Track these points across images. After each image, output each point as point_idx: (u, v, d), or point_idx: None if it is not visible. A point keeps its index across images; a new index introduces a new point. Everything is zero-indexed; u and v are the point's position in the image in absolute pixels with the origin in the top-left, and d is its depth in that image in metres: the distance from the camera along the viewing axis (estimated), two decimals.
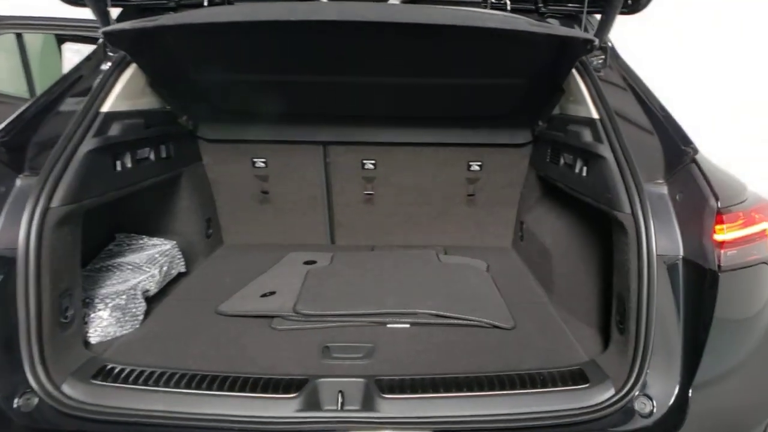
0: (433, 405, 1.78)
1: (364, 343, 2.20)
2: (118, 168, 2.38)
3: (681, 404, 1.75)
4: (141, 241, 2.84)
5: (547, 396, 1.82)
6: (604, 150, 2.07)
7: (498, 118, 3.03)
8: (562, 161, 2.62)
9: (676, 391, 1.77)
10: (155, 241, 2.86)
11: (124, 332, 2.31)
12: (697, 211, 1.77)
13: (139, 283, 2.46)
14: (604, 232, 2.31)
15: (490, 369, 1.99)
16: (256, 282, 2.84)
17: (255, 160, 3.37)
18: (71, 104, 2.32)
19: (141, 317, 2.41)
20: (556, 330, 2.33)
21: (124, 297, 2.35)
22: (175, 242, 2.87)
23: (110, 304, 2.30)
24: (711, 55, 5.81)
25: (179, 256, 2.87)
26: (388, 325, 2.36)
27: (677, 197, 1.85)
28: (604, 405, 1.78)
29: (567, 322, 2.38)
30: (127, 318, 2.34)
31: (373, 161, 3.33)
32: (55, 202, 1.89)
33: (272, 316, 2.42)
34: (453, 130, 3.15)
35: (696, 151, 1.92)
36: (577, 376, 1.90)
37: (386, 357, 2.11)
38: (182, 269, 2.88)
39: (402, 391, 1.81)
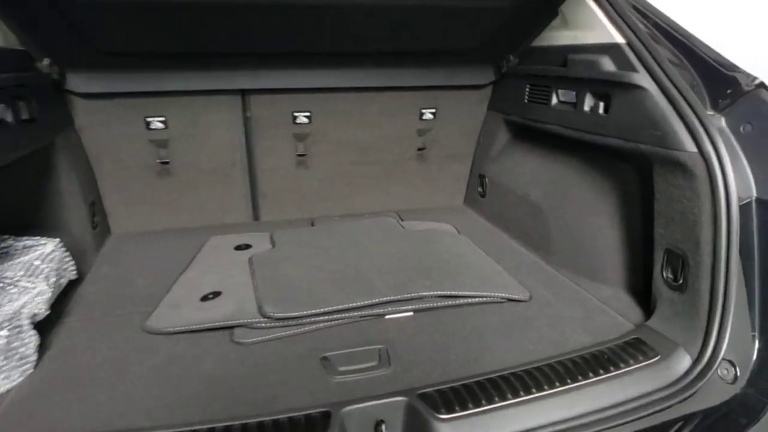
0: (509, 417, 1.36)
1: (371, 344, 1.70)
2: None
3: (765, 363, 1.54)
4: (7, 243, 1.98)
5: (624, 379, 1.50)
6: (641, 79, 1.75)
7: (462, 54, 2.59)
8: (554, 100, 2.28)
9: (756, 349, 1.55)
10: (29, 241, 2.01)
11: (11, 385, 1.54)
12: None
13: (21, 308, 1.66)
14: (624, 176, 2.03)
15: (540, 354, 1.62)
16: (184, 280, 2.15)
17: (150, 119, 2.57)
18: None
19: (34, 357, 1.63)
20: (576, 295, 2.04)
21: (2, 333, 1.55)
22: (58, 240, 2.04)
23: None
24: None
25: (67, 259, 2.05)
26: (387, 317, 1.88)
27: (742, 129, 1.58)
28: (686, 379, 1.51)
29: (581, 284, 2.10)
30: (12, 364, 1.56)
31: (306, 113, 2.72)
32: None
33: (230, 327, 1.80)
34: (406, 71, 2.65)
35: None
36: (642, 348, 1.61)
37: (410, 359, 1.64)
38: (73, 276, 2.08)
39: (462, 406, 1.36)
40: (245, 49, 2.39)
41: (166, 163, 2.69)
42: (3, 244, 1.98)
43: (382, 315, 1.87)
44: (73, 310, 1.97)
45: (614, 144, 1.90)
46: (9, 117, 1.83)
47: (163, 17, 2.08)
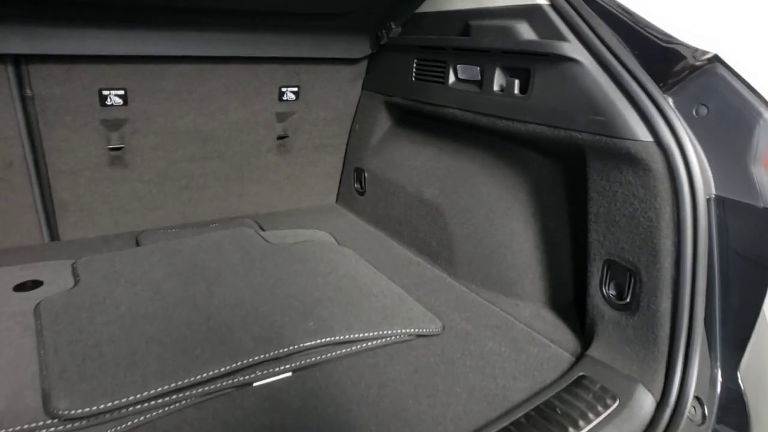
0: None
1: None
2: None
3: (733, 396, 1.28)
4: None
5: None
6: (573, 50, 1.39)
7: (331, 18, 2.05)
8: (452, 77, 1.85)
9: (719, 381, 1.29)
10: None
11: None
12: (738, 129, 1.24)
13: None
14: (544, 171, 1.69)
15: (476, 417, 1.19)
16: None
17: None
18: None
19: None
20: (494, 318, 1.64)
21: None
22: None
23: None
24: None
25: None
26: (256, 384, 1.29)
27: (694, 111, 1.29)
28: (655, 428, 1.20)
29: (496, 303, 1.72)
30: None
31: (120, 91, 1.98)
32: None
33: None
34: (261, 37, 2.03)
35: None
36: (594, 390, 1.27)
37: None
38: None
39: None
40: None
41: None
42: None
43: (249, 383, 1.28)
44: None
45: (534, 132, 1.53)
46: None
47: None
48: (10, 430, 1.08)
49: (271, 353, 1.32)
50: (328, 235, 2.19)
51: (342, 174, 2.58)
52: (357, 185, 2.46)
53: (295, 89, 2.26)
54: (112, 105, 1.98)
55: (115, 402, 1.14)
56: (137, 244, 2.09)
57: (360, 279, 1.76)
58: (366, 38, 2.22)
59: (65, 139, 1.97)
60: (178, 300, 1.58)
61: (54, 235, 2.12)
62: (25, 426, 1.08)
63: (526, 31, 1.53)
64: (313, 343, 1.38)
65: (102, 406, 1.12)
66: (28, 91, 1.84)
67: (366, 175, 2.37)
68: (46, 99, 1.87)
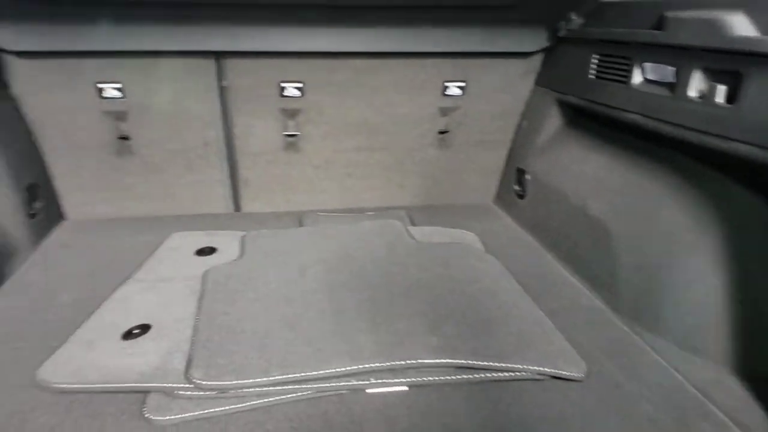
0: None
1: None
2: None
3: None
4: None
5: None
6: None
7: (503, 10, 1.91)
8: (637, 77, 1.60)
9: None
10: None
11: None
12: None
13: None
14: (751, 203, 1.37)
15: None
16: (112, 303, 1.62)
17: (102, 86, 2.02)
18: None
19: None
20: (659, 375, 1.38)
21: None
22: None
23: None
24: None
25: None
26: (369, 391, 1.30)
27: None
28: None
29: (664, 355, 1.45)
30: None
31: (297, 84, 2.12)
32: None
33: (144, 391, 1.26)
34: (427, 32, 2.00)
35: None
36: None
37: None
38: None
39: None
40: None
41: (126, 138, 2.15)
42: None
43: (362, 388, 1.29)
44: None
45: (740, 152, 1.24)
46: None
47: None
48: (156, 385, 1.24)
49: (389, 363, 1.31)
50: (477, 238, 2.10)
51: (503, 173, 2.44)
52: (517, 187, 2.30)
53: (461, 84, 2.19)
54: (290, 96, 2.14)
55: (239, 381, 1.24)
56: (300, 223, 2.26)
57: (500, 295, 1.64)
58: (542, 30, 2.04)
59: (250, 124, 2.19)
60: (319, 287, 1.66)
61: (237, 207, 2.41)
62: (167, 385, 1.24)
63: (741, 25, 1.23)
64: (433, 361, 1.33)
65: (227, 383, 1.23)
66: (224, 82, 2.08)
67: (528, 176, 2.21)
68: (238, 89, 2.11)
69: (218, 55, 2.03)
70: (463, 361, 1.33)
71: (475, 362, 1.33)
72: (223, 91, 2.11)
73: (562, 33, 1.96)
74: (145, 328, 1.48)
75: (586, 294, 1.75)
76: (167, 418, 1.19)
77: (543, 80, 2.18)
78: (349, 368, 1.29)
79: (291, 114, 2.20)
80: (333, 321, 1.48)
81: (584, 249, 1.81)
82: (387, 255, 1.87)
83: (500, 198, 2.48)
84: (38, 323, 1.52)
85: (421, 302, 1.58)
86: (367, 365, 1.30)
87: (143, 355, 1.36)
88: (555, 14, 1.94)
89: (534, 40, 2.05)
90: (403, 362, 1.32)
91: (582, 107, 1.93)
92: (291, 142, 2.26)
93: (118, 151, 2.18)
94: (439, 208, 2.44)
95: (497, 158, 2.41)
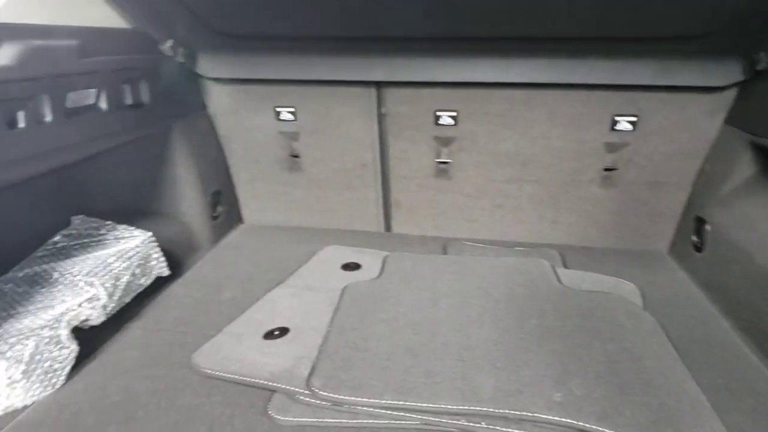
0: None
1: None
2: (20, 124, 1.40)
3: None
4: (102, 231, 1.88)
5: None
6: None
7: (686, 39, 1.72)
8: None
9: None
10: (121, 231, 1.88)
11: (30, 401, 1.37)
12: None
13: (65, 313, 1.48)
14: None
15: None
16: (262, 304, 1.81)
17: (279, 109, 2.30)
18: None
19: (63, 373, 1.44)
20: None
21: (32, 340, 1.38)
22: (150, 235, 1.86)
23: (7, 353, 1.35)
24: None
25: (156, 255, 1.88)
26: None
27: None
28: None
29: None
30: (34, 377, 1.38)
31: (452, 112, 2.15)
32: None
33: (272, 389, 1.38)
34: (593, 62, 1.87)
35: None
36: None
37: None
38: (162, 272, 1.90)
39: None
40: (381, 33, 1.92)
41: (296, 156, 2.42)
42: (98, 229, 1.89)
43: (471, 430, 1.25)
44: (147, 313, 1.78)
45: None
46: (103, 103, 1.69)
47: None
48: (282, 386, 1.36)
49: (503, 411, 1.25)
50: (635, 291, 1.88)
51: (680, 220, 2.16)
52: (695, 237, 2.02)
53: (633, 119, 2.00)
54: (444, 124, 2.18)
55: (353, 398, 1.29)
56: (444, 250, 2.27)
57: (647, 360, 1.45)
58: (735, 61, 1.77)
59: (405, 150, 2.29)
60: (449, 318, 1.65)
61: (388, 227, 2.51)
62: (290, 388, 1.34)
63: None
64: (551, 418, 1.24)
65: (342, 397, 1.29)
66: (383, 109, 2.21)
67: (708, 227, 1.92)
68: (395, 116, 2.21)
69: (379, 85, 2.16)
70: (586, 425, 1.21)
71: (600, 429, 1.20)
72: (381, 118, 2.24)
73: (761, 66, 1.67)
74: (284, 331, 1.63)
75: (764, 375, 1.45)
76: (287, 418, 1.29)
77: (735, 119, 1.88)
78: (460, 407, 1.26)
79: (444, 142, 2.23)
80: (455, 356, 1.46)
81: (759, 315, 1.51)
82: (526, 296, 1.79)
83: (674, 248, 2.19)
84: (203, 313, 1.77)
85: (552, 352, 1.47)
86: (479, 408, 1.26)
87: (277, 355, 1.50)
88: (750, 44, 1.67)
89: (725, 73, 1.79)
90: (518, 413, 1.24)
91: None
92: (443, 169, 2.29)
93: (290, 167, 2.44)
94: (599, 252, 2.24)
95: (673, 203, 2.14)
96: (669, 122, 1.98)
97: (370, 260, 2.13)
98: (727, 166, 1.90)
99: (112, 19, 1.82)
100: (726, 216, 1.84)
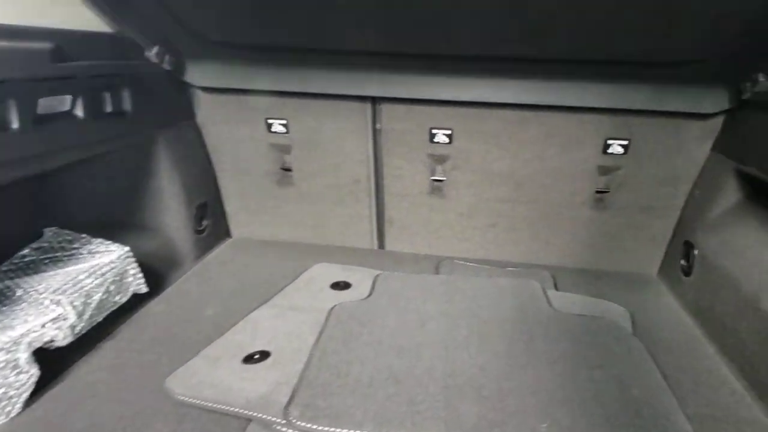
0: None
1: None
2: None
3: None
4: (75, 245, 1.81)
5: None
6: None
7: (678, 66, 1.71)
8: None
9: None
10: (96, 245, 1.82)
11: None
12: None
13: (25, 334, 1.41)
14: None
15: None
16: (244, 325, 1.75)
17: (271, 121, 2.25)
18: None
19: (20, 400, 1.37)
20: None
21: None
22: (126, 250, 1.80)
23: None
24: None
25: (133, 271, 1.81)
26: None
27: None
28: None
29: None
30: None
31: (447, 130, 2.13)
32: None
33: (247, 417, 1.32)
34: (588, 85, 1.86)
35: None
36: None
37: None
38: (139, 289, 1.83)
39: None
40: (378, 48, 1.89)
41: (288, 170, 2.37)
42: (71, 243, 1.82)
43: None
44: (121, 333, 1.71)
45: None
46: (79, 111, 1.63)
47: (287, 9, 1.70)
48: (257, 415, 1.30)
49: None
50: (626, 315, 1.85)
51: (670, 244, 2.14)
52: (684, 262, 2.00)
53: (624, 142, 1.98)
54: (439, 142, 2.15)
55: (332, 429, 1.24)
56: (436, 269, 2.23)
57: (634, 388, 1.42)
58: (723, 90, 1.76)
59: (399, 167, 2.25)
60: (436, 341, 1.61)
61: (381, 244, 2.47)
62: (266, 417, 1.29)
63: None
64: None
65: (320, 428, 1.24)
66: (378, 125, 2.18)
67: (695, 253, 1.90)
68: (390, 133, 2.18)
69: (374, 100, 2.13)
70: None
71: None
72: (376, 133, 2.20)
73: (746, 95, 1.67)
74: (264, 355, 1.57)
75: (747, 404, 1.43)
76: None
77: (721, 146, 1.87)
78: None
79: (439, 159, 2.20)
80: (440, 383, 1.42)
81: (752, 351, 1.48)
82: (515, 319, 1.75)
83: (664, 271, 2.17)
84: (181, 333, 1.71)
85: (539, 379, 1.44)
86: None
87: (255, 381, 1.44)
88: (739, 72, 1.67)
89: (713, 100, 1.78)
90: None
91: (765, 182, 1.61)
92: (437, 187, 2.26)
93: (280, 181, 2.39)
94: (591, 273, 2.22)
95: (663, 226, 2.13)
96: (660, 147, 1.97)
97: (361, 279, 2.08)
98: (714, 192, 1.89)
99: (93, 21, 1.77)
100: (713, 241, 1.82)
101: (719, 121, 1.87)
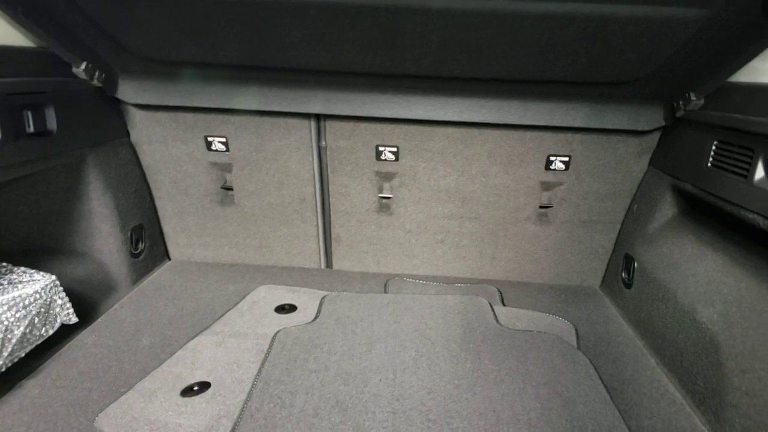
0: None
1: None
2: None
3: None
4: None
5: None
6: None
7: (616, 84, 1.76)
8: (760, 173, 1.37)
9: None
10: (19, 274, 1.68)
11: None
12: None
13: None
14: None
15: None
16: (183, 354, 1.67)
17: (211, 139, 2.17)
18: None
19: None
20: None
21: None
22: (53, 279, 1.68)
23: None
24: None
25: (60, 302, 1.69)
26: None
27: None
28: None
29: None
30: None
31: (393, 148, 2.11)
32: None
33: None
34: (530, 104, 1.89)
35: None
36: None
37: None
38: (70, 319, 1.71)
39: None
40: (322, 66, 1.85)
41: (230, 189, 2.28)
42: None
43: None
44: (47, 368, 1.59)
45: None
46: (29, 127, 1.52)
47: (226, 20, 1.63)
48: None
49: None
50: (571, 329, 1.88)
51: (611, 257, 2.20)
52: (624, 275, 2.05)
53: (566, 158, 2.03)
54: (385, 160, 2.13)
55: None
56: (385, 287, 2.20)
57: (579, 404, 1.43)
58: (659, 108, 1.83)
59: (345, 185, 2.21)
60: (384, 365, 1.57)
61: (328, 263, 2.42)
62: None
63: None
64: None
65: None
66: (323, 143, 2.14)
67: (635, 266, 1.96)
68: (335, 150, 2.14)
69: (319, 117, 2.09)
70: None
71: None
72: (321, 151, 2.16)
73: (679, 113, 1.74)
74: (204, 386, 1.49)
75: (686, 413, 1.47)
76: None
77: (658, 162, 1.95)
78: None
79: (386, 177, 2.19)
80: (387, 408, 1.38)
81: (689, 359, 1.53)
82: (462, 337, 1.74)
83: (606, 284, 2.23)
84: (114, 365, 1.60)
85: (485, 399, 1.43)
86: None
87: (194, 415, 1.36)
88: (673, 92, 1.74)
89: (649, 118, 1.85)
90: None
91: (698, 197, 1.68)
92: (385, 204, 2.24)
93: (221, 201, 2.31)
94: (536, 287, 2.25)
95: (605, 240, 2.18)
96: (600, 163, 2.02)
97: (307, 301, 2.03)
98: (652, 206, 1.95)
99: (12, 35, 1.66)
100: (651, 254, 1.88)
101: (655, 137, 1.95)
